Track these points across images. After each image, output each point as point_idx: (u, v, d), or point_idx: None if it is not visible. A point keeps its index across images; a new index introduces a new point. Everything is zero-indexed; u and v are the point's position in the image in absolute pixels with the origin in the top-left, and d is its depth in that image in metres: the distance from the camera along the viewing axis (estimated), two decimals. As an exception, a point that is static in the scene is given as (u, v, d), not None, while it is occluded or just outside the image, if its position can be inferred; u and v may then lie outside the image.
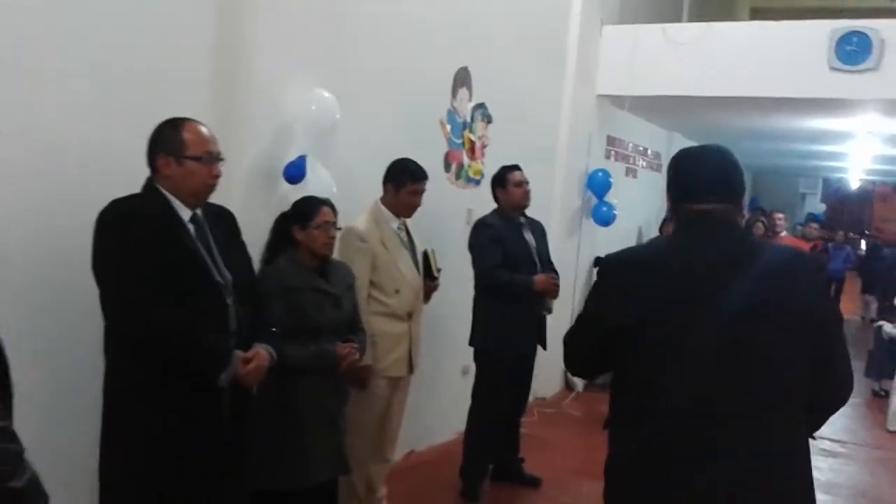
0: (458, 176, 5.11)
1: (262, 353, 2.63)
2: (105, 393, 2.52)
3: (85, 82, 2.84)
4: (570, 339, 2.18)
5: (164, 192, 2.55)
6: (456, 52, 4.94)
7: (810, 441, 2.02)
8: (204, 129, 2.61)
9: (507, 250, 4.34)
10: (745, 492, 1.87)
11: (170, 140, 2.55)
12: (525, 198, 4.47)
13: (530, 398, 6.43)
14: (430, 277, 3.92)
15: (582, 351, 2.15)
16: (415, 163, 3.80)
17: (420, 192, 3.78)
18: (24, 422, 2.58)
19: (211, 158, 2.58)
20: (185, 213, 2.58)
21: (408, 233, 3.86)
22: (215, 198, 3.28)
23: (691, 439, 1.88)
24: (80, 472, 2.62)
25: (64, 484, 2.57)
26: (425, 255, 3.90)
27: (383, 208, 3.77)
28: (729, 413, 1.87)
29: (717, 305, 1.86)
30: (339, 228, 3.20)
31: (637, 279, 1.96)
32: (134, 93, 2.96)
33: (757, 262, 1.90)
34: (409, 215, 3.83)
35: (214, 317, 2.55)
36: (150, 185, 2.58)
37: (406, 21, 4.43)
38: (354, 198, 3.89)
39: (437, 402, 4.98)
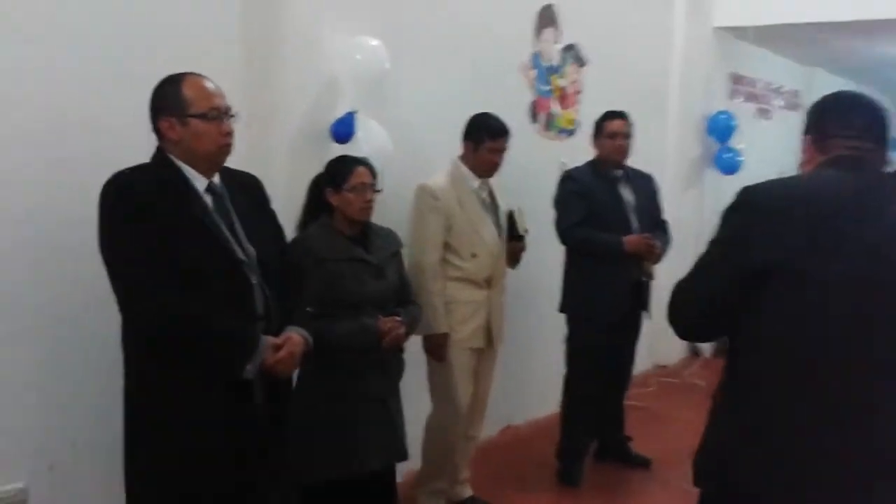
0: (548, 126, 4.65)
1: (294, 337, 2.31)
2: (125, 390, 2.27)
3: (100, 40, 2.62)
4: (686, 287, 1.90)
5: (175, 160, 2.27)
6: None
7: None
8: (208, 83, 2.30)
9: (595, 206, 3.88)
10: None
11: (170, 99, 2.25)
12: (618, 151, 3.98)
13: (649, 366, 5.96)
14: (515, 238, 3.54)
15: (701, 301, 1.88)
16: (495, 118, 3.42)
17: (500, 151, 3.41)
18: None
19: (218, 114, 2.27)
20: (201, 183, 2.28)
21: (490, 194, 3.50)
22: (255, 163, 3.07)
23: (847, 396, 1.71)
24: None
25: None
26: (510, 215, 3.52)
27: (462, 167, 3.43)
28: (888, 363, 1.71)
29: (867, 243, 1.72)
30: (379, 190, 2.86)
31: (784, 211, 1.77)
32: (156, 52, 2.70)
33: None
34: (488, 175, 3.46)
35: (237, 299, 2.24)
36: (158, 154, 2.28)
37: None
38: (419, 157, 3.55)
39: (537, 373, 4.59)
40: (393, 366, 2.89)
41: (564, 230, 3.94)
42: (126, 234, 2.15)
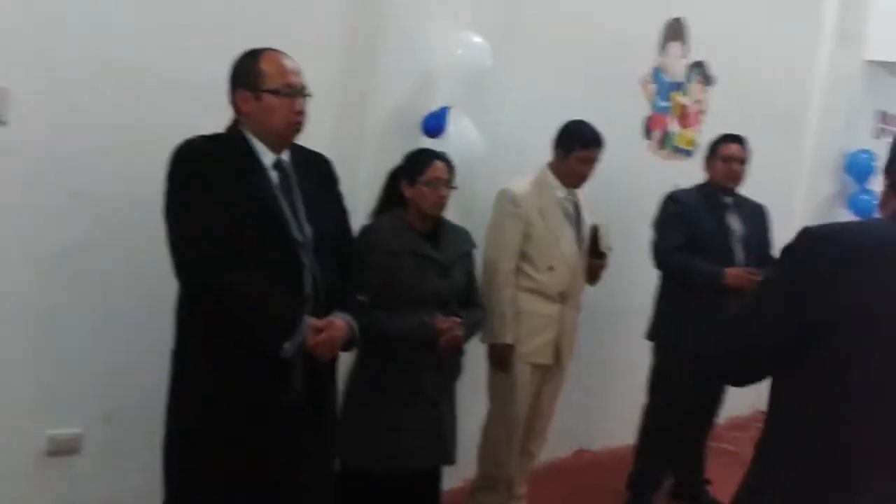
0: (662, 145, 4.44)
1: (337, 322, 2.28)
2: (172, 352, 2.31)
3: (204, 29, 2.69)
4: (735, 334, 1.72)
5: (247, 133, 2.29)
6: (666, -2, 4.26)
7: None
8: (286, 60, 2.30)
9: (697, 232, 3.66)
10: None
11: (247, 73, 2.27)
12: (730, 176, 3.75)
13: (750, 410, 5.61)
14: (596, 255, 3.38)
15: (749, 348, 1.69)
16: (590, 127, 3.28)
17: (591, 161, 3.28)
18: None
19: (292, 92, 2.27)
20: (269, 158, 2.30)
21: (576, 205, 3.36)
22: (343, 148, 3.09)
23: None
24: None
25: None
26: (594, 229, 3.37)
27: (550, 174, 3.31)
28: None
29: None
30: (455, 188, 2.79)
31: (854, 255, 1.57)
32: (258, 37, 2.73)
33: None
34: (576, 185, 3.33)
35: (286, 278, 2.24)
36: (232, 126, 2.32)
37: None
38: (513, 160, 3.46)
39: (616, 399, 4.40)
40: (449, 367, 2.82)
41: (661, 254, 3.75)
42: (186, 201, 2.19)
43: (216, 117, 2.34)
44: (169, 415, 2.30)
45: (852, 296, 1.52)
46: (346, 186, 2.92)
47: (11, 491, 2.51)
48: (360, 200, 2.99)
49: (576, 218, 3.35)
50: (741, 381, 1.83)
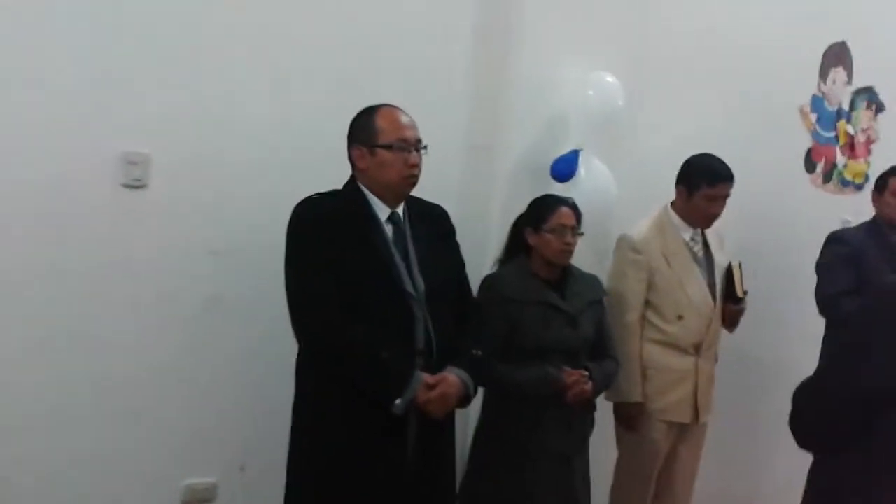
0: (826, 178, 4.09)
1: (449, 378, 2.24)
2: (293, 404, 2.35)
3: (333, 85, 2.74)
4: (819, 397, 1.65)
5: (363, 188, 2.32)
6: (826, 21, 3.92)
7: None
8: (401, 115, 2.33)
9: (867, 275, 3.31)
10: None
11: (363, 128, 2.32)
12: None
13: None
14: (732, 300, 3.10)
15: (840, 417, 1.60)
16: (718, 160, 3.02)
17: (720, 199, 3.00)
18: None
19: (406, 146, 2.28)
20: (384, 212, 2.32)
21: (705, 245, 3.10)
22: (471, 194, 3.07)
23: None
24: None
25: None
26: (728, 270, 3.09)
27: (673, 214, 3.07)
28: None
29: None
30: (581, 234, 2.67)
31: None
32: (385, 88, 2.69)
33: None
34: (704, 225, 3.07)
35: (399, 332, 2.23)
36: (350, 182, 2.37)
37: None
38: (651, 202, 3.27)
39: (778, 457, 4.04)
40: (579, 422, 2.68)
41: (826, 300, 3.41)
42: (304, 255, 2.24)
43: (345, 174, 2.39)
44: (288, 465, 2.33)
45: None
46: (474, 235, 2.92)
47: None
48: (489, 249, 2.95)
49: (706, 260, 3.09)
50: (828, 444, 1.68)
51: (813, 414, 1.61)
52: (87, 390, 2.51)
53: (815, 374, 1.64)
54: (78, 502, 2.52)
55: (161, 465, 2.63)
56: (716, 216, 3.04)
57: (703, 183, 2.98)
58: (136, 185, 2.54)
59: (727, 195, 3.02)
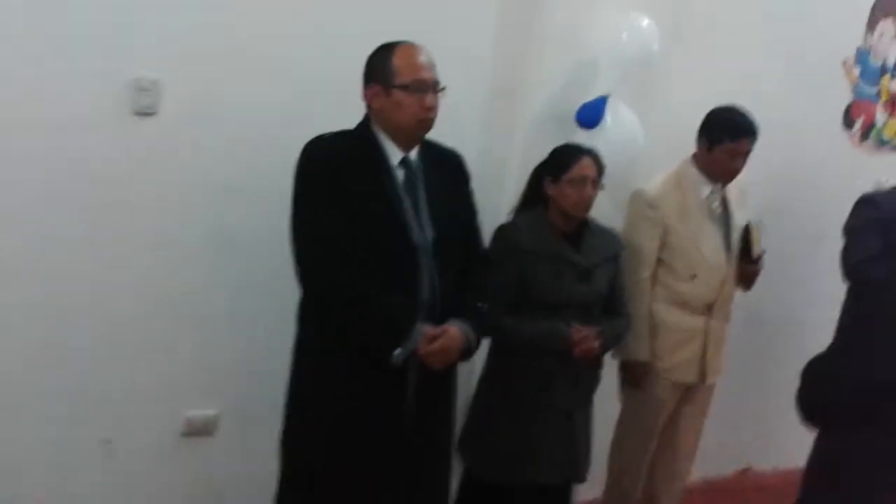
0: (864, 136, 3.93)
1: (451, 331, 2.17)
2: (294, 347, 2.31)
3: (354, 24, 2.61)
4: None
5: (376, 130, 2.23)
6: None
7: None
8: (420, 55, 2.21)
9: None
10: None
11: (380, 67, 2.21)
12: None
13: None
14: (747, 259, 2.99)
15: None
16: (741, 114, 2.88)
17: (741, 154, 2.87)
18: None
19: (423, 87, 2.17)
20: (396, 156, 2.23)
21: (724, 203, 2.98)
22: (494, 140, 2.96)
23: None
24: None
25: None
26: (746, 229, 2.96)
27: (693, 169, 2.93)
28: None
29: None
30: (603, 187, 2.57)
31: None
32: (407, 25, 2.52)
33: None
34: (725, 181, 2.94)
35: (403, 283, 2.17)
36: (363, 123, 2.27)
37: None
38: (679, 153, 3.15)
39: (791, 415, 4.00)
40: (586, 378, 2.63)
41: (853, 265, 3.25)
42: (309, 200, 2.17)
43: (361, 115, 2.29)
44: (286, 407, 2.32)
45: None
46: (492, 182, 2.83)
47: (150, 468, 2.64)
48: (507, 198, 2.85)
49: (723, 218, 2.97)
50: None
51: (820, 396, 1.55)
52: (90, 323, 2.49)
53: (828, 353, 1.55)
54: (78, 433, 2.54)
55: (163, 397, 2.63)
56: (737, 172, 2.92)
57: (725, 137, 2.85)
58: (147, 113, 2.46)
59: (749, 150, 2.88)
